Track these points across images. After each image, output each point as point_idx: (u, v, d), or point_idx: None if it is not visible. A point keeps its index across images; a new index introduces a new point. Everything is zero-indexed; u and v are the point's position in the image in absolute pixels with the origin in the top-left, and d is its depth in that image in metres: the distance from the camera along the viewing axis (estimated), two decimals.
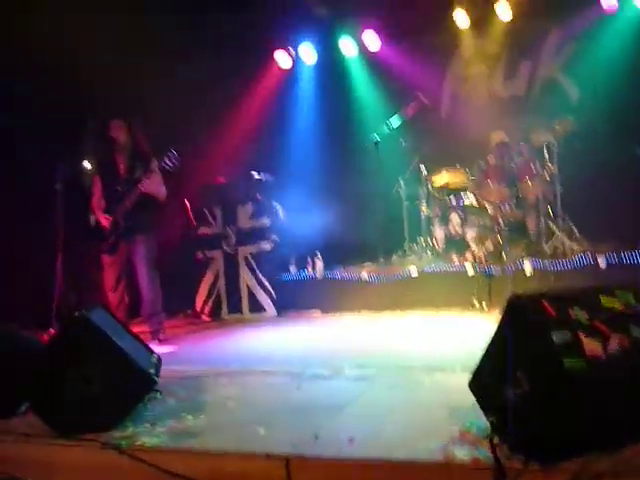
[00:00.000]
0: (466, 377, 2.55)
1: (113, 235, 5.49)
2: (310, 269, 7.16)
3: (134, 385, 3.00)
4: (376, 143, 6.97)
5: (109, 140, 5.56)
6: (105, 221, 5.50)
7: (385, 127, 7.09)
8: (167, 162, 5.37)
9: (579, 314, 2.25)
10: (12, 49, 5.96)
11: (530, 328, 2.22)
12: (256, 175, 7.46)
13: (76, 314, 3.06)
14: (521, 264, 6.22)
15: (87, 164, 6.79)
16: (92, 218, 5.63)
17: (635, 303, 2.32)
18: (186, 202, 7.70)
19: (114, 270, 5.55)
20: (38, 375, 3.00)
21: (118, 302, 5.55)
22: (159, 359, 3.49)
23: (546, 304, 2.26)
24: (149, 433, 2.81)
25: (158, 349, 4.52)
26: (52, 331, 5.32)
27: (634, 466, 1.99)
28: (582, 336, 2.16)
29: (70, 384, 2.91)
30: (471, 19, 8.46)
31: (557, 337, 2.13)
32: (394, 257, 7.25)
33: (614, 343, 2.16)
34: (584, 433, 2.10)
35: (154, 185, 5.48)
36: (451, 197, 7.22)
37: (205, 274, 7.38)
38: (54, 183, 5.46)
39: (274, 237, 7.31)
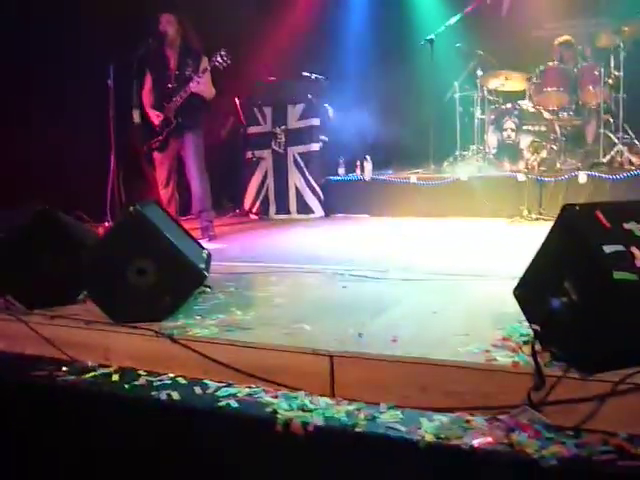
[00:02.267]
0: (512, 285, 2.55)
1: (164, 132, 5.54)
2: (359, 172, 7.13)
3: (185, 279, 3.11)
4: (431, 42, 6.74)
5: (160, 34, 5.51)
6: (156, 118, 5.53)
7: (441, 25, 6.83)
8: (218, 60, 5.33)
9: (633, 227, 2.20)
10: None
11: (581, 239, 2.19)
12: (307, 75, 7.31)
13: (130, 209, 3.14)
14: (575, 174, 6.07)
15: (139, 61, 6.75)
16: (136, 114, 5.65)
17: None
18: (236, 101, 7.66)
19: (165, 167, 5.66)
20: (95, 265, 3.13)
21: (169, 198, 5.69)
22: (209, 255, 3.59)
23: (600, 215, 2.22)
24: (199, 325, 2.93)
25: (208, 246, 4.65)
26: (107, 225, 5.51)
27: None
28: (634, 249, 2.12)
29: (124, 275, 3.03)
30: None
31: (608, 249, 2.09)
32: (445, 163, 7.15)
33: None
34: (627, 345, 2.11)
35: (204, 85, 5.46)
36: (507, 103, 6.99)
37: (254, 173, 7.42)
38: (106, 79, 5.46)
39: (324, 138, 7.25)
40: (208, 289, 3.52)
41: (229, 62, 5.37)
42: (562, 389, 2.13)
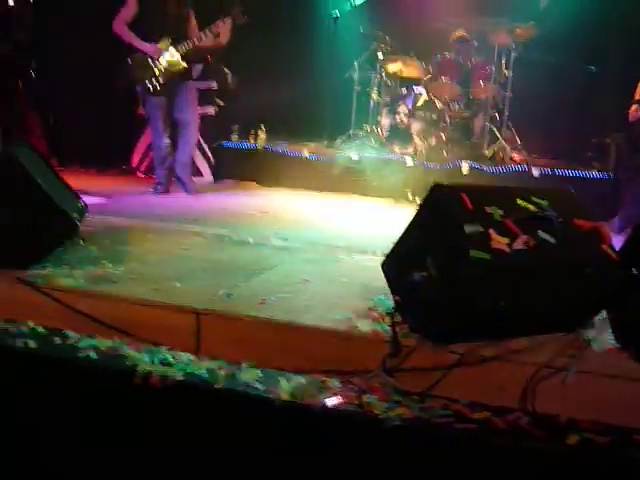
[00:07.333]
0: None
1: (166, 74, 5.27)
2: (252, 140, 7.08)
3: (55, 227, 2.99)
4: (335, 19, 6.78)
5: None
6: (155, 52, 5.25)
7: (347, 4, 6.88)
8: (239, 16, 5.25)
9: (494, 211, 2.34)
10: None
11: (445, 217, 2.31)
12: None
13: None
14: (460, 163, 6.33)
15: None
16: None
17: (547, 209, 2.43)
18: None
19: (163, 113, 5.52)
20: None
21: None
22: (85, 206, 3.47)
23: (465, 197, 2.34)
24: (67, 275, 2.84)
25: (89, 199, 4.48)
26: None
27: (514, 351, 2.17)
28: (492, 231, 2.26)
29: None
30: None
31: (468, 229, 2.22)
32: (338, 140, 7.22)
33: (520, 242, 2.27)
34: (478, 320, 2.25)
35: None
36: (403, 88, 7.17)
37: (144, 131, 7.20)
38: None
39: (219, 102, 7.14)
40: (81, 241, 3.40)
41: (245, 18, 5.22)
42: (415, 358, 2.25)
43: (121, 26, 5.24)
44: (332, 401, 2.07)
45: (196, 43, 5.25)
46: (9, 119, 5.73)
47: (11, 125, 5.70)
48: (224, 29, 5.24)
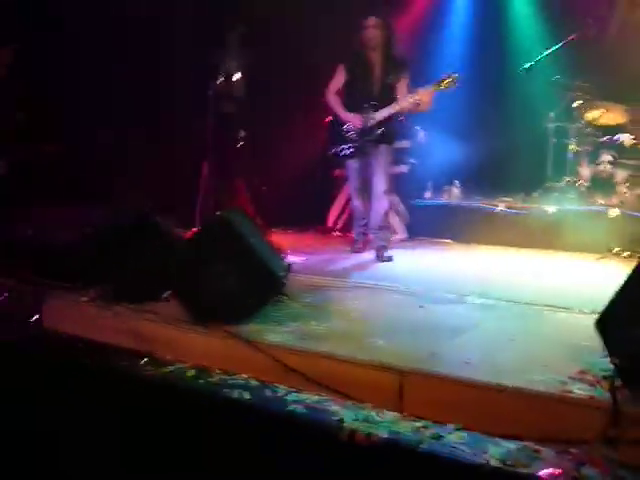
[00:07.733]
0: (592, 319, 2.48)
1: (361, 139, 5.43)
2: (446, 196, 7.08)
3: (264, 285, 3.20)
4: (528, 70, 6.63)
5: (364, 38, 5.27)
6: (358, 121, 5.34)
7: (539, 56, 6.71)
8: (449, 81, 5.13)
9: None
10: None
11: None
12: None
13: (218, 214, 3.27)
14: None
15: (238, 74, 6.96)
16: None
17: None
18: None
19: (359, 176, 5.61)
20: (182, 266, 3.26)
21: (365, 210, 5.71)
22: (289, 266, 3.67)
23: None
24: (274, 331, 3.01)
25: (290, 258, 4.73)
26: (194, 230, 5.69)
27: None
28: None
29: (208, 277, 3.14)
30: None
31: None
32: (535, 194, 6.98)
33: None
34: None
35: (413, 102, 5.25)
36: (605, 135, 6.77)
37: (340, 191, 7.47)
38: (207, 89, 5.64)
39: (412, 161, 7.24)
40: (286, 298, 3.58)
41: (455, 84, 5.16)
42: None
43: (331, 96, 5.50)
44: (547, 472, 1.94)
45: (396, 109, 5.32)
46: (222, 185, 6.26)
47: (224, 191, 6.23)
48: (427, 96, 5.21)
